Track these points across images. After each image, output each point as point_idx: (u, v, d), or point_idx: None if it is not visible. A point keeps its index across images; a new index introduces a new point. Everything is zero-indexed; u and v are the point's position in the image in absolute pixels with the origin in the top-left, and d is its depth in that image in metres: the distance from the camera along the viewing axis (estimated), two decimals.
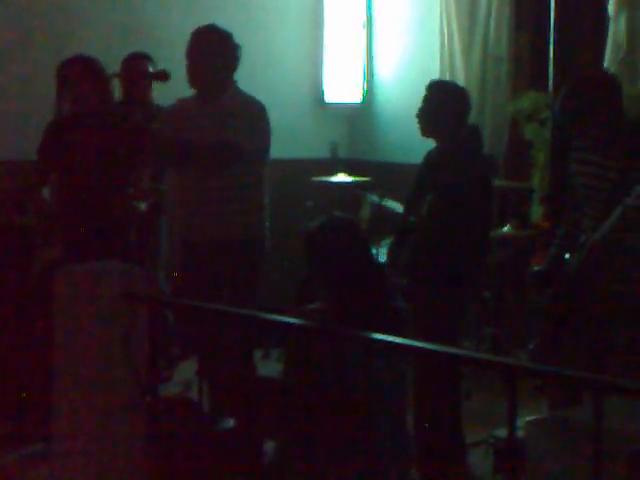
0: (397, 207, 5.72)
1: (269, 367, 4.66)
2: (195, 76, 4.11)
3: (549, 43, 4.40)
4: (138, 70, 5.17)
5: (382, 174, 6.71)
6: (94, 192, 4.26)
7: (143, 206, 4.45)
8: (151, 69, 5.26)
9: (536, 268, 4.76)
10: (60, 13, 5.82)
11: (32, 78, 5.56)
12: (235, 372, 3.96)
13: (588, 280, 3.58)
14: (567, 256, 3.72)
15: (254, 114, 4.15)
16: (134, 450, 2.65)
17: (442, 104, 4.10)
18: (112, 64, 4.72)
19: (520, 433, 3.04)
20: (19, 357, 4.55)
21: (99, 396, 2.61)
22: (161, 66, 5.10)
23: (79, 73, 4.33)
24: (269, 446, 3.54)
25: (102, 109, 4.32)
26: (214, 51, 4.09)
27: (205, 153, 4.05)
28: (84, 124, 4.32)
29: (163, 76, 4.64)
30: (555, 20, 4.33)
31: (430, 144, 4.28)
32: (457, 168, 4.05)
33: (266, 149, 4.20)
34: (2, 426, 4.49)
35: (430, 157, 4.28)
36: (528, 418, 3.18)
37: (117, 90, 4.96)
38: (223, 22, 6.06)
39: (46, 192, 4.66)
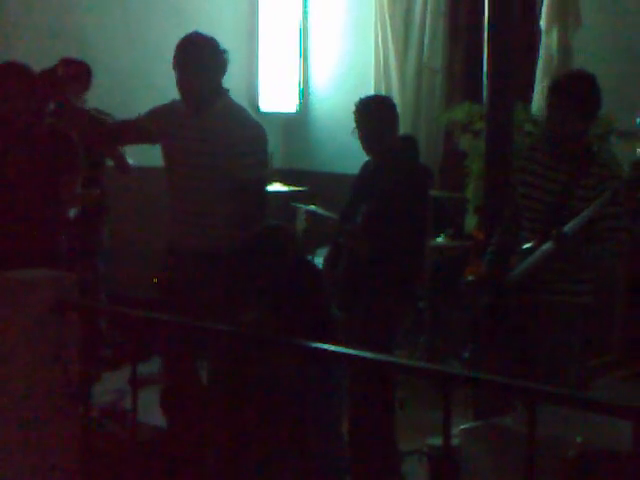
0: (332, 216, 5.73)
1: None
2: (186, 89, 3.89)
3: (482, 54, 4.44)
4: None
5: (317, 184, 6.72)
6: (18, 199, 4.19)
7: (72, 213, 4.38)
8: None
9: (470, 278, 4.81)
10: None
11: None
12: (175, 379, 3.91)
13: (524, 286, 3.61)
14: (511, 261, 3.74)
15: (247, 137, 3.89)
16: (67, 459, 2.63)
17: (378, 121, 4.12)
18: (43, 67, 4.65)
19: (455, 441, 3.05)
20: None
21: (31, 404, 2.58)
22: (95, 69, 5.05)
23: (8, 80, 4.26)
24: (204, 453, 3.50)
25: (27, 116, 4.25)
26: (203, 60, 3.88)
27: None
28: (8, 131, 4.26)
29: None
30: (489, 32, 4.37)
31: (365, 154, 4.29)
32: (393, 177, 4.07)
33: (257, 179, 3.94)
34: None
35: (367, 167, 4.30)
36: (462, 426, 3.19)
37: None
38: (156, 30, 6.03)
39: None
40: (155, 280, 4.15)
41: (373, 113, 4.15)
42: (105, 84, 5.70)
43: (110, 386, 4.54)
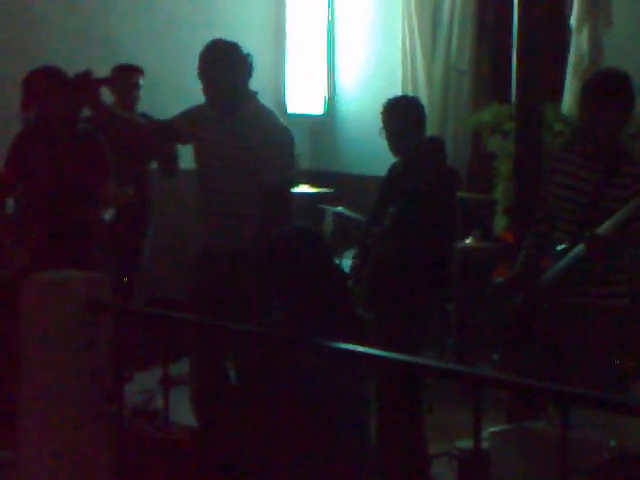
0: (359, 218, 5.72)
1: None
2: (215, 96, 3.89)
3: (511, 55, 4.41)
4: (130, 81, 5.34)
5: (344, 185, 6.70)
6: (55, 201, 4.26)
7: (107, 215, 4.44)
8: (142, 81, 5.44)
9: (499, 279, 4.77)
10: (23, 22, 5.77)
11: None
12: (206, 380, 3.92)
13: (557, 289, 3.57)
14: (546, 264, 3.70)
15: (274, 141, 3.88)
16: (100, 458, 2.64)
17: (405, 122, 4.12)
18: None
19: (484, 444, 3.02)
20: None
21: (64, 404, 2.60)
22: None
23: (44, 84, 4.33)
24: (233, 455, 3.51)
25: (64, 119, 4.31)
26: (228, 67, 3.86)
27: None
28: (46, 134, 4.33)
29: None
30: (517, 32, 4.34)
31: (392, 156, 4.28)
32: (421, 179, 4.05)
33: (284, 180, 3.95)
34: None
35: (394, 169, 4.28)
36: (492, 429, 3.16)
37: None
38: (184, 33, 6.06)
39: (11, 202, 4.64)
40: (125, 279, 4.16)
41: (400, 113, 4.14)
42: None
43: (141, 386, 4.56)
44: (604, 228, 3.42)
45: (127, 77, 5.38)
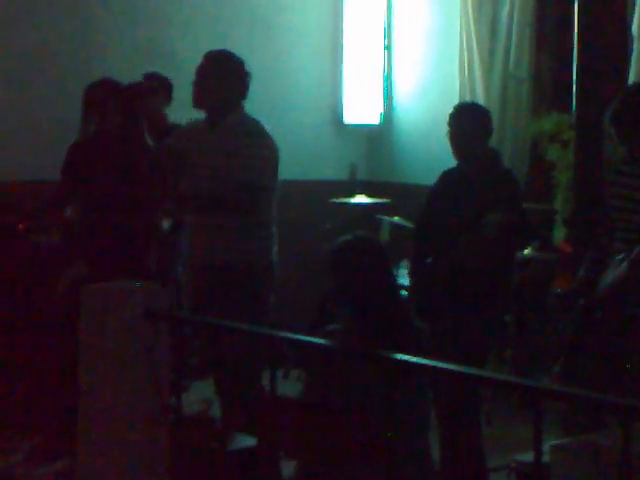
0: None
1: (288, 387, 4.62)
2: (197, 96, 4.13)
3: (571, 63, 4.36)
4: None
5: (401, 195, 6.67)
6: (112, 212, 4.30)
7: (166, 225, 4.48)
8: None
9: (559, 290, 4.70)
10: (85, 35, 5.87)
11: (57, 100, 5.59)
12: (244, 391, 3.94)
13: (616, 301, 3.52)
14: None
15: (257, 145, 4.10)
16: (157, 467, 2.66)
17: (476, 127, 4.10)
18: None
19: (544, 457, 2.97)
20: (46, 374, 4.57)
21: (122, 413, 2.62)
22: (186, 87, 5.19)
23: (104, 96, 4.40)
24: (290, 466, 3.50)
25: (124, 131, 4.37)
26: (219, 74, 4.11)
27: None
28: (106, 145, 4.39)
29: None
30: (578, 39, 4.29)
31: (447, 165, 4.24)
32: (514, 184, 4.01)
33: (265, 183, 4.13)
34: (29, 440, 4.51)
35: (448, 177, 4.24)
36: (552, 442, 3.11)
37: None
38: (243, 43, 6.12)
39: (69, 212, 4.71)
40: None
41: (471, 118, 4.13)
42: None
43: (198, 395, 4.58)
44: None
45: (159, 85, 5.36)
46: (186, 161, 4.18)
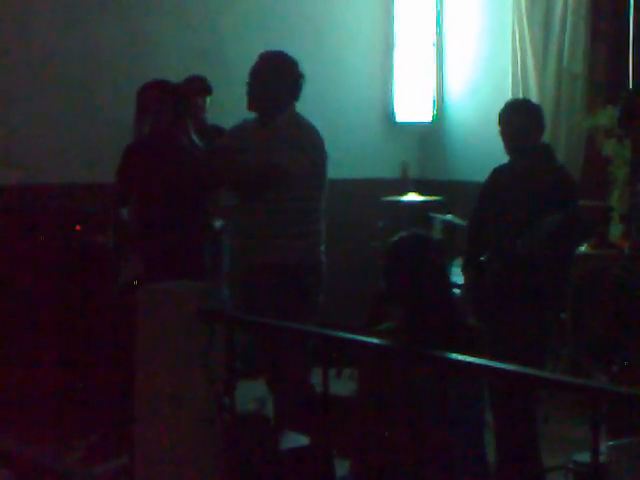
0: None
1: (341, 386, 4.61)
2: (251, 97, 4.14)
3: (627, 57, 4.29)
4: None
5: (453, 193, 6.63)
6: (166, 212, 4.34)
7: (218, 224, 4.50)
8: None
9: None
10: (136, 38, 5.93)
11: (113, 103, 5.67)
12: (294, 390, 3.94)
13: None
14: None
15: (308, 140, 4.11)
16: (211, 465, 2.67)
17: (529, 122, 4.07)
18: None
19: (602, 458, 2.93)
20: (103, 373, 4.64)
21: (177, 412, 2.64)
22: (237, 90, 5.24)
23: (157, 97, 4.44)
24: (343, 465, 3.50)
25: (177, 132, 4.41)
26: (273, 74, 4.12)
27: (249, 175, 4.09)
28: (160, 146, 4.43)
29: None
30: (634, 33, 4.21)
31: (500, 162, 4.20)
32: (571, 183, 4.00)
33: (316, 176, 4.14)
34: (88, 439, 4.58)
35: (499, 174, 4.20)
36: (610, 442, 3.07)
37: None
38: (295, 43, 6.11)
39: (125, 213, 4.76)
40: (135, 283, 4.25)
41: (525, 113, 4.10)
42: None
43: (252, 394, 4.60)
44: None
45: (199, 88, 5.37)
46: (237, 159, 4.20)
